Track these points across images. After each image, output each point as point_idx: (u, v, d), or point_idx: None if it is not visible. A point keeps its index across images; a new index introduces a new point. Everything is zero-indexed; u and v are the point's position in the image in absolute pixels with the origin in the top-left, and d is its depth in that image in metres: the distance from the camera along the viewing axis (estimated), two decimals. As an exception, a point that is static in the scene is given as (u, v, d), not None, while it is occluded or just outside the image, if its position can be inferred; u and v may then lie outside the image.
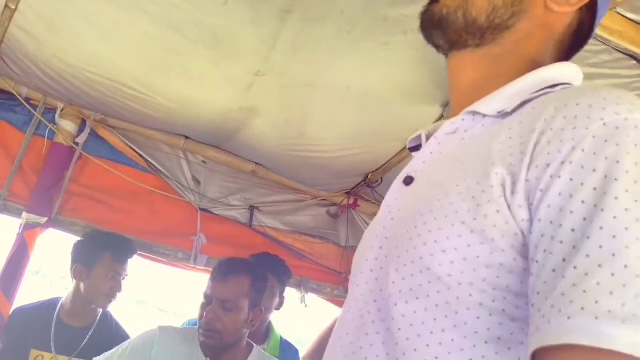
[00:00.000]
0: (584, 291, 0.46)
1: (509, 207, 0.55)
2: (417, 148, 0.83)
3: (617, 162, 0.50)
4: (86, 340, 2.23)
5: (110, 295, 2.27)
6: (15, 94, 2.40)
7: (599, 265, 0.47)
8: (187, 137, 2.70)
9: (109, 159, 2.63)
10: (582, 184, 0.51)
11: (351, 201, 3.05)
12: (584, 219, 0.49)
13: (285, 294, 2.64)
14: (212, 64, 1.97)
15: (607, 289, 0.46)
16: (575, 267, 0.48)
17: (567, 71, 0.70)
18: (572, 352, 0.46)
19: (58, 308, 2.27)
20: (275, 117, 2.33)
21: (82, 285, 2.23)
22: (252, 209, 2.95)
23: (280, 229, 3.02)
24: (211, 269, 2.07)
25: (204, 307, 1.92)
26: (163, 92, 2.24)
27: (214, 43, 1.85)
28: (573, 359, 0.46)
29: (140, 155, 2.68)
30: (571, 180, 0.52)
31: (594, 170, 0.51)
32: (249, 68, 1.96)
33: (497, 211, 0.56)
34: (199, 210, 2.80)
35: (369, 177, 2.83)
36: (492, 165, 0.58)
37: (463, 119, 0.71)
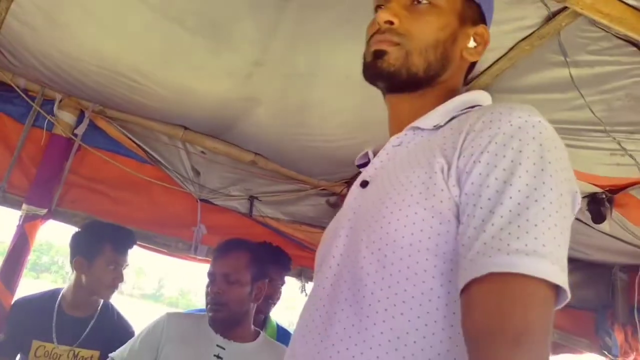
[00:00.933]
0: (500, 239, 0.67)
1: (447, 186, 0.75)
2: (364, 165, 1.01)
3: (520, 151, 0.72)
4: (87, 330, 2.23)
5: (113, 287, 2.28)
6: (13, 85, 2.38)
7: (509, 222, 0.67)
8: (186, 128, 2.69)
9: (108, 150, 2.63)
10: (495, 166, 0.72)
11: (350, 190, 3.05)
12: (497, 191, 0.70)
13: (282, 288, 2.66)
14: (211, 53, 1.96)
15: (515, 235, 0.66)
16: (492, 224, 0.68)
17: (481, 96, 0.94)
18: (491, 278, 0.65)
19: (59, 299, 2.27)
20: (275, 107, 2.33)
21: (83, 277, 2.23)
22: (252, 199, 2.95)
23: (281, 218, 3.03)
24: (211, 259, 2.13)
25: (208, 286, 2.01)
26: (162, 82, 2.23)
27: (213, 33, 1.85)
28: (493, 283, 0.65)
29: (139, 146, 2.68)
30: (487, 164, 0.72)
31: (504, 156, 0.72)
32: (248, 57, 1.95)
33: (442, 190, 0.75)
34: (198, 200, 2.80)
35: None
36: (434, 157, 0.79)
37: (406, 134, 0.92)
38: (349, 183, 3.04)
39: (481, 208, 0.70)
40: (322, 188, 3.07)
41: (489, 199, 0.70)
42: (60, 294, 2.29)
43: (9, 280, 2.29)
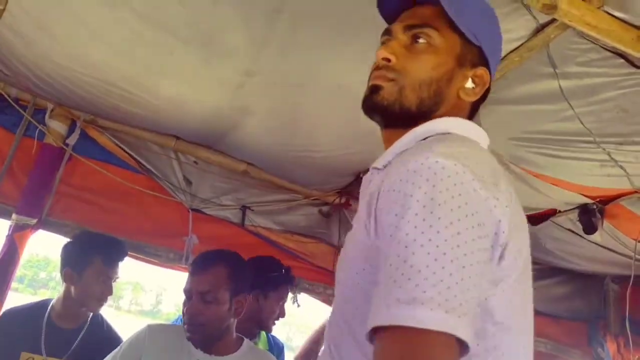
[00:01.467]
0: (386, 288, 0.68)
1: (372, 240, 0.79)
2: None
3: (411, 195, 0.73)
4: (77, 342, 2.21)
5: (102, 299, 2.25)
6: (4, 94, 2.38)
7: (396, 269, 0.68)
8: (177, 137, 2.69)
9: (100, 160, 2.62)
10: (390, 212, 0.75)
11: (343, 200, 3.05)
12: (390, 236, 0.73)
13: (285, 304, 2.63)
14: (203, 63, 1.96)
15: (398, 283, 0.67)
16: (383, 273, 0.71)
17: (440, 124, 0.93)
18: (378, 333, 0.68)
19: (49, 310, 2.25)
20: (267, 117, 2.33)
21: (72, 288, 2.21)
22: (244, 208, 2.95)
23: (273, 228, 3.02)
24: (188, 274, 2.02)
25: (185, 303, 1.91)
26: (153, 92, 2.23)
27: (204, 43, 1.85)
28: (379, 338, 0.68)
29: (131, 156, 2.67)
30: (387, 212, 0.75)
31: (396, 202, 0.74)
32: (239, 67, 1.96)
33: (370, 246, 0.79)
34: (190, 210, 2.79)
35: (361, 176, 2.83)
36: (360, 211, 0.85)
37: (371, 173, 0.96)
38: (341, 193, 3.04)
39: (382, 255, 0.74)
40: (314, 198, 3.07)
41: (386, 246, 0.73)
42: (50, 305, 2.27)
43: (-3, 291, 2.27)
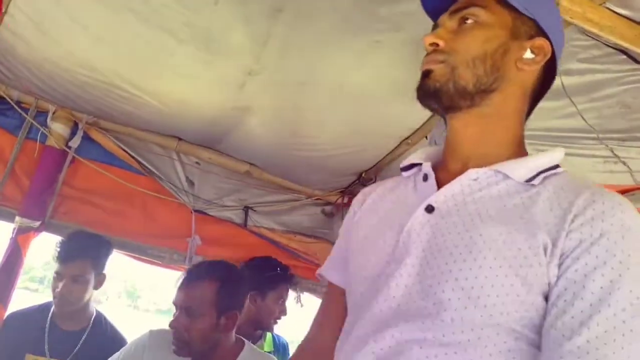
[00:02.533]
0: (587, 351, 0.67)
1: (547, 264, 0.75)
2: (409, 168, 1.01)
3: (629, 255, 0.72)
4: (80, 343, 2.21)
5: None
6: (6, 97, 2.38)
7: (605, 331, 0.67)
8: (180, 139, 2.69)
9: (102, 162, 2.63)
10: (605, 262, 0.72)
11: (345, 200, 3.05)
12: (601, 288, 0.70)
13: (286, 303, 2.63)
14: (204, 64, 1.97)
15: (595, 346, 0.67)
16: (588, 328, 0.68)
17: (559, 155, 0.92)
18: None
19: (52, 312, 2.25)
20: (269, 116, 2.33)
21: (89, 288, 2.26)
22: (246, 209, 2.95)
23: (275, 228, 3.02)
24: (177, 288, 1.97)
25: (173, 316, 1.86)
26: (155, 93, 2.23)
27: (205, 43, 1.85)
28: None
29: (133, 158, 2.67)
30: (597, 257, 0.72)
31: (614, 255, 0.72)
32: (241, 67, 1.96)
33: (539, 265, 0.75)
34: (193, 211, 2.79)
35: (363, 175, 2.83)
36: (538, 230, 0.77)
37: (486, 173, 0.88)
38: (343, 192, 3.04)
39: (582, 299, 0.71)
40: (317, 198, 3.06)
41: (592, 292, 0.70)
42: (53, 307, 2.27)
43: (1, 293, 2.27)
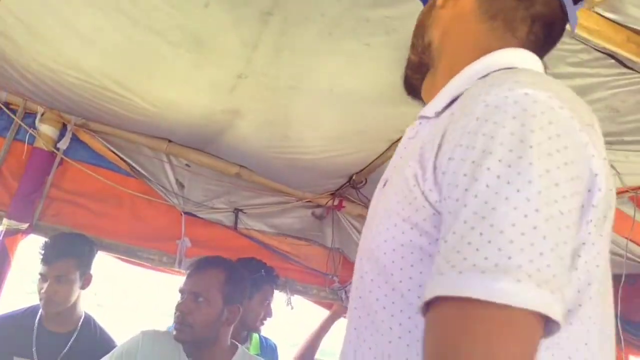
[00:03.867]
0: (458, 251, 0.53)
1: (421, 192, 0.63)
2: None
3: (492, 137, 0.56)
4: (68, 345, 2.20)
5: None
6: (-8, 99, 2.36)
7: (472, 228, 0.53)
8: (170, 141, 2.68)
9: (91, 164, 2.61)
10: (464, 160, 0.58)
11: (336, 202, 3.05)
12: (465, 190, 0.56)
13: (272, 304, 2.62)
14: (195, 66, 1.96)
15: (475, 246, 0.52)
16: (454, 233, 0.55)
17: (504, 57, 0.75)
18: (443, 303, 0.53)
19: (39, 315, 2.23)
20: (259, 119, 2.33)
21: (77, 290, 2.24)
22: (236, 211, 2.94)
23: (266, 231, 3.01)
24: (185, 275, 2.04)
25: (177, 304, 1.91)
26: (145, 95, 2.22)
27: (196, 46, 1.84)
28: (442, 309, 0.53)
29: (123, 159, 2.66)
30: (461, 159, 0.58)
31: (474, 148, 0.57)
32: (231, 70, 1.95)
33: (415, 198, 0.64)
34: (183, 213, 2.78)
35: (354, 178, 2.84)
36: (409, 161, 0.67)
37: (420, 123, 0.79)
38: (334, 195, 3.04)
39: (449, 213, 0.58)
40: (307, 200, 3.06)
41: (457, 199, 0.57)
42: (40, 310, 2.25)
43: (-11, 296, 2.25)
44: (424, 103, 0.89)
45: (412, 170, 0.65)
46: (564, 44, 1.57)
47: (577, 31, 1.42)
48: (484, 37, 0.81)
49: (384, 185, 0.78)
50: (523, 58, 0.76)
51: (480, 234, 0.53)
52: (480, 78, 0.70)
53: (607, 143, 1.94)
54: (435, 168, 0.62)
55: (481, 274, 0.51)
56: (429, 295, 0.54)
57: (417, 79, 0.90)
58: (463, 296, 0.51)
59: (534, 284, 0.50)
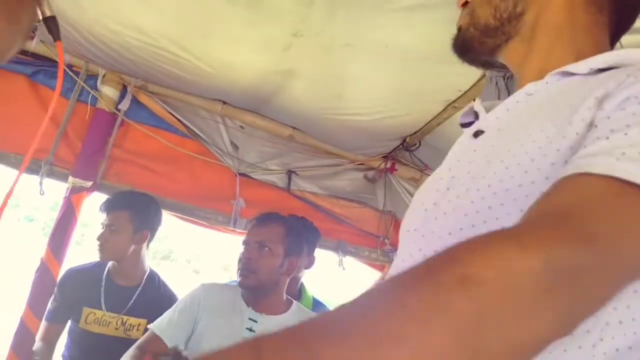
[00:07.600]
0: (617, 147, 0.53)
1: (564, 136, 0.61)
2: (469, 124, 0.88)
3: None
4: (134, 298, 2.31)
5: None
6: (57, 60, 2.43)
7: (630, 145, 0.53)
8: (224, 102, 2.72)
9: (150, 125, 2.68)
10: (635, 113, 0.56)
11: (389, 165, 3.04)
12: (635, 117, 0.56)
13: (314, 254, 2.67)
14: (250, 25, 1.96)
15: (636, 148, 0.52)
16: (625, 134, 0.54)
17: (634, 55, 0.74)
18: (589, 177, 0.52)
19: (107, 269, 2.36)
20: (313, 79, 2.32)
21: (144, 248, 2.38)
22: (289, 173, 2.97)
23: (318, 193, 3.04)
24: (248, 229, 2.16)
25: (242, 253, 2.04)
26: (201, 55, 2.25)
27: (251, 4, 1.84)
28: (587, 182, 0.52)
29: (180, 121, 2.72)
30: (633, 114, 0.57)
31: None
32: (286, 29, 1.95)
33: (551, 142, 0.62)
34: (237, 174, 2.84)
35: (407, 140, 2.81)
36: (546, 111, 0.67)
37: (547, 82, 0.75)
38: (387, 157, 3.02)
39: (612, 130, 0.57)
40: (359, 162, 3.06)
41: (627, 125, 0.56)
42: (108, 265, 2.38)
43: (57, 250, 2.37)
44: (476, 65, 0.92)
45: (556, 117, 0.64)
46: None
47: None
48: (592, 26, 0.81)
49: (480, 135, 0.77)
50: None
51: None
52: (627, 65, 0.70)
53: None
54: (596, 114, 0.61)
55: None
56: (601, 171, 0.52)
57: (483, 43, 0.86)
58: (620, 177, 0.50)
59: None
